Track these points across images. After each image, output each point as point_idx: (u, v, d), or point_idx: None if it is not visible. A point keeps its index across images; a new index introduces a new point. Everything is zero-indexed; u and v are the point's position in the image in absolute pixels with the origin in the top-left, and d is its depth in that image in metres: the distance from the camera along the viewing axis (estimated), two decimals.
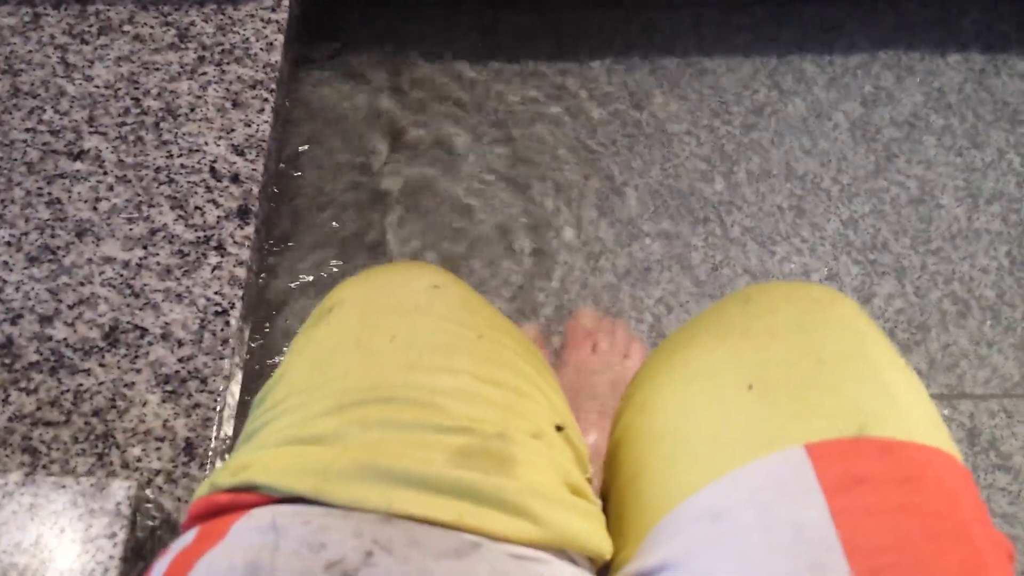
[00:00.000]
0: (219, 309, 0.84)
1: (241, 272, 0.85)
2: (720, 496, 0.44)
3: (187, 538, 0.46)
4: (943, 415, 1.02)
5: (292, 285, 1.02)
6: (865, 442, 0.43)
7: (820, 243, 1.11)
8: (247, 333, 0.87)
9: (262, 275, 1.00)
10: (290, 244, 1.04)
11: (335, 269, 1.03)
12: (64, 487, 0.64)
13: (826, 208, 1.14)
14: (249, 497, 0.45)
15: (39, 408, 0.79)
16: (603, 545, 0.48)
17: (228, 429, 0.81)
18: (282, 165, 1.07)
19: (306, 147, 1.10)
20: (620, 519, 0.51)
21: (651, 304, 1.07)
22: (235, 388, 0.82)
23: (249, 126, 0.93)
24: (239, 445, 0.51)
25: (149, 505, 0.74)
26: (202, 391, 0.80)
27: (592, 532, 0.47)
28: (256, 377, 0.92)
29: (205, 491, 0.48)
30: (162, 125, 0.92)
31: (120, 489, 0.64)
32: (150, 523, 0.66)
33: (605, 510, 0.53)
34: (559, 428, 0.51)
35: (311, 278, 1.03)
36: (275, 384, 0.52)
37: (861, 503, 0.41)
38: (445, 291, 0.56)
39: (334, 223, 1.06)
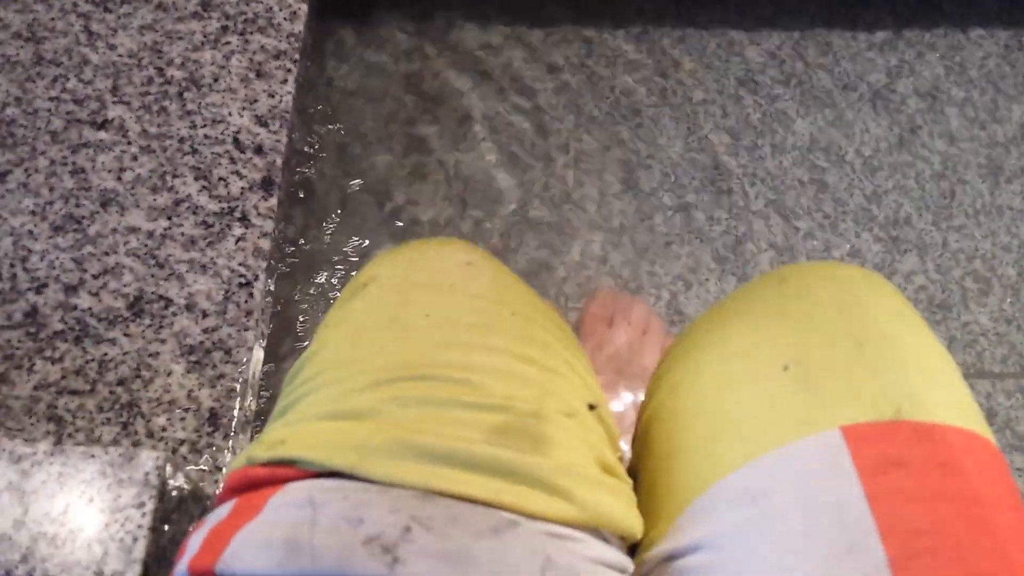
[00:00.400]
0: (243, 280, 0.84)
1: (265, 244, 0.85)
2: (757, 477, 0.44)
3: (222, 511, 0.46)
4: None
5: (318, 256, 1.02)
6: (902, 425, 0.43)
7: (842, 218, 1.11)
8: (269, 305, 0.87)
9: (286, 247, 1.00)
10: (315, 215, 1.04)
11: (366, 243, 1.03)
12: (93, 456, 0.64)
13: (849, 183, 1.13)
14: (286, 471, 0.46)
15: (64, 377, 0.79)
16: (635, 524, 0.48)
17: (251, 400, 0.81)
18: (307, 136, 1.07)
19: (330, 116, 1.10)
20: (651, 498, 0.51)
21: (669, 280, 1.06)
22: (258, 359, 0.83)
23: (272, 97, 0.93)
24: (273, 419, 0.52)
25: (177, 475, 0.74)
26: (226, 362, 0.81)
27: (624, 511, 0.48)
28: (279, 348, 0.93)
29: (241, 463, 0.48)
30: (186, 95, 0.92)
31: (149, 459, 0.64)
32: (176, 494, 0.66)
33: (635, 489, 0.53)
34: (592, 407, 0.51)
35: (339, 249, 1.03)
36: (310, 359, 0.52)
37: (897, 486, 0.41)
38: (478, 268, 0.56)
39: (359, 193, 1.06)
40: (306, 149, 1.05)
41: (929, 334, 0.50)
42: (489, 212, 1.08)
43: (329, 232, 1.04)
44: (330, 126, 1.09)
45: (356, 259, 1.01)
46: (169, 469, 0.74)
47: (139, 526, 0.62)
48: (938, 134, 1.17)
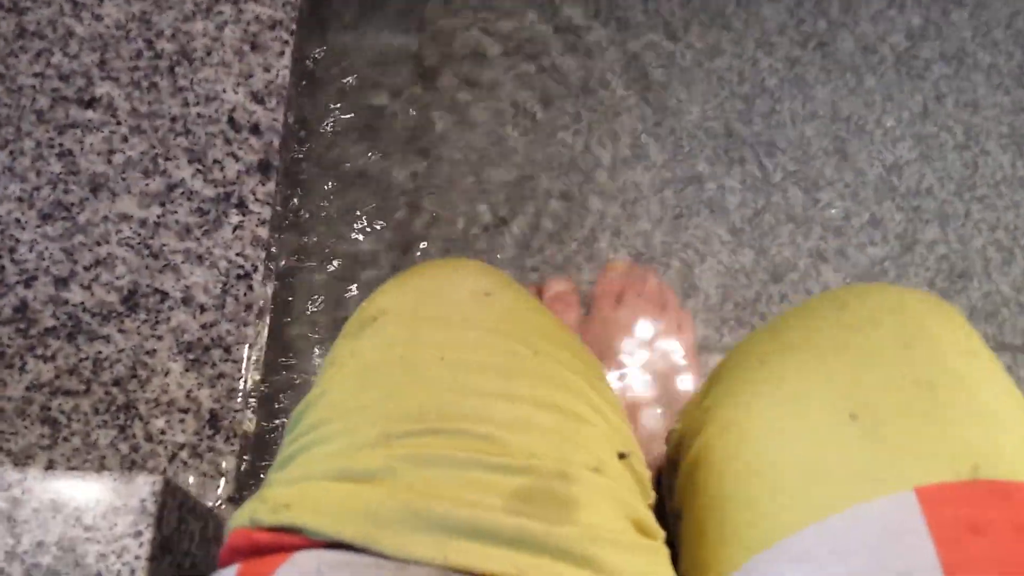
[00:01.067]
0: (241, 272, 0.80)
1: (263, 232, 0.82)
2: (824, 539, 0.41)
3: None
4: None
5: (319, 239, 0.98)
6: (979, 485, 0.40)
7: (863, 187, 1.07)
8: (270, 297, 0.83)
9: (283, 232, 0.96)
10: (312, 196, 1.00)
11: (378, 226, 0.99)
12: (86, 481, 0.61)
13: (870, 152, 1.09)
14: (292, 539, 0.43)
15: (57, 376, 0.76)
16: None
17: (254, 401, 0.78)
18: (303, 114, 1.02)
19: (330, 92, 1.05)
20: (700, 547, 0.48)
21: (682, 251, 1.03)
22: (260, 356, 0.79)
23: (268, 71, 0.88)
24: (276, 467, 0.49)
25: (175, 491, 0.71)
26: (226, 360, 0.77)
27: (657, 572, 0.45)
28: (280, 344, 0.89)
29: (244, 522, 0.45)
30: (177, 70, 0.87)
31: (145, 485, 0.61)
32: (177, 515, 0.64)
33: (678, 529, 0.51)
34: (621, 456, 0.48)
35: (342, 233, 0.99)
36: (314, 402, 0.49)
37: (974, 555, 0.38)
38: (495, 299, 0.52)
39: (360, 170, 1.02)
40: (303, 128, 1.00)
41: (1004, 375, 0.47)
42: (494, 182, 1.04)
43: (328, 214, 1.00)
44: (331, 104, 1.05)
45: (360, 239, 0.97)
46: (174, 479, 0.71)
47: (136, 556, 0.59)
48: (963, 103, 1.12)
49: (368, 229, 0.98)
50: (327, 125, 1.00)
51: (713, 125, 1.09)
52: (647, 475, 0.50)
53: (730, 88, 1.10)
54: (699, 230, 1.03)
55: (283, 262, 0.87)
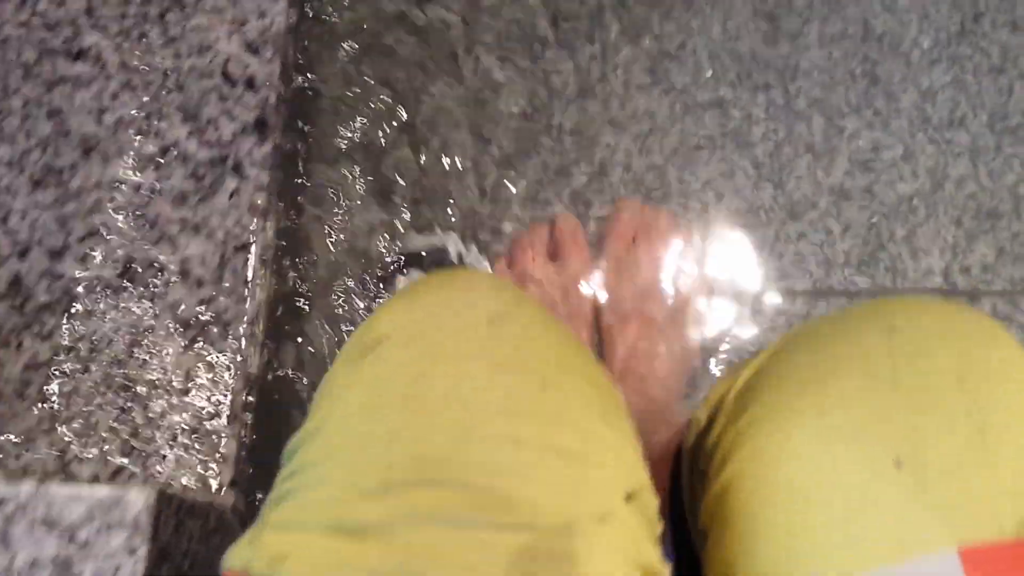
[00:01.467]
0: (239, 243, 0.77)
1: (261, 199, 0.78)
2: None
3: None
4: (1004, 314, 0.95)
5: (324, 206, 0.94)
6: None
7: (895, 117, 1.00)
8: (271, 269, 0.80)
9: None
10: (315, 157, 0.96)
11: (364, 179, 0.95)
12: (79, 497, 0.60)
13: (903, 76, 1.02)
14: None
15: (55, 355, 0.75)
16: None
17: (255, 383, 0.76)
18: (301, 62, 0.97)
19: (333, 37, 0.99)
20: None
21: (700, 189, 0.98)
22: (260, 333, 0.77)
23: (263, 16, 0.83)
24: (272, 503, 0.47)
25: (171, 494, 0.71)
26: (225, 337, 0.75)
27: None
28: (283, 319, 0.87)
29: (238, 565, 0.44)
30: (168, 17, 0.82)
31: (138, 499, 0.60)
32: (174, 521, 0.63)
33: (704, 552, 0.49)
34: (629, 497, 0.46)
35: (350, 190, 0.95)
36: (310, 438, 0.46)
37: None
38: (504, 324, 0.49)
39: (365, 115, 0.97)
40: (302, 81, 0.95)
41: None
42: (502, 113, 0.98)
43: (334, 169, 0.95)
44: (337, 49, 0.99)
45: (367, 195, 0.93)
46: (170, 484, 0.71)
47: (132, 574, 0.59)
48: (1002, 23, 1.03)
49: (370, 177, 0.94)
50: (331, 71, 0.95)
51: (737, 46, 1.02)
52: (655, 506, 0.48)
53: (753, 5, 1.03)
54: (722, 163, 0.98)
55: (283, 224, 0.84)
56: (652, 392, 0.85)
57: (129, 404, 0.74)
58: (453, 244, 0.93)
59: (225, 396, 0.74)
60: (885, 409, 0.44)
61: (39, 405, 0.73)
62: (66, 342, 0.74)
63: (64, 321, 0.75)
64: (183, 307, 0.76)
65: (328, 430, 0.46)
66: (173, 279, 0.76)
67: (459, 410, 0.44)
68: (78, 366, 0.74)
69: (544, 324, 0.51)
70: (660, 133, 0.99)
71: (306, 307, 0.87)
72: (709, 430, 0.57)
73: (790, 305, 0.94)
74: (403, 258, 0.91)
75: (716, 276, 0.95)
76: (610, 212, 0.96)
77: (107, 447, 0.73)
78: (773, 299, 0.94)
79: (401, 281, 0.90)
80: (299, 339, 0.85)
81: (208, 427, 0.73)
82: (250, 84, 0.80)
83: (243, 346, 0.75)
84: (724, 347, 0.93)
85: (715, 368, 0.92)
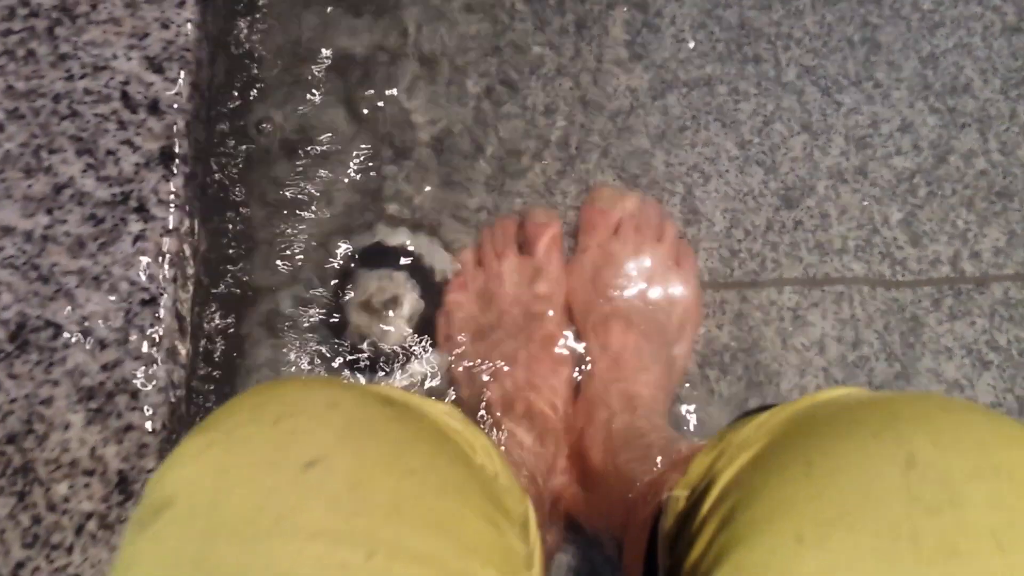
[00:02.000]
0: (146, 296, 0.68)
1: (170, 243, 0.68)
2: None
3: None
4: (1017, 300, 0.85)
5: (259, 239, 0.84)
6: None
7: (896, 86, 0.89)
8: (185, 326, 0.71)
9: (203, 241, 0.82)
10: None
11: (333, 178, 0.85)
12: None
13: (905, 42, 0.90)
14: None
15: None
16: None
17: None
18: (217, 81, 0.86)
19: (246, 47, 0.88)
20: None
21: (684, 172, 0.87)
22: (174, 401, 0.68)
23: (167, 27, 0.72)
24: None
25: None
26: (133, 408, 0.66)
27: None
28: (208, 381, 0.77)
29: None
30: (57, 31, 0.72)
31: None
32: None
33: None
34: None
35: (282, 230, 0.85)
36: None
37: None
38: (325, 469, 0.38)
39: (312, 87, 0.86)
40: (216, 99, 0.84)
41: None
42: (459, 86, 0.88)
43: (266, 208, 0.85)
44: (249, 57, 0.88)
45: (310, 200, 0.83)
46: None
47: None
48: None
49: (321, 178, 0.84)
50: (249, 79, 0.85)
51: (724, 14, 0.90)
52: None
53: None
54: (707, 147, 0.88)
55: (198, 273, 0.75)
56: (636, 407, 0.76)
57: (28, 489, 0.65)
58: (410, 240, 0.83)
59: (137, 476, 0.65)
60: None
61: None
62: None
63: None
64: (85, 375, 0.66)
65: None
66: (72, 340, 0.67)
67: None
68: None
69: (389, 451, 0.41)
70: (641, 112, 0.88)
71: (240, 362, 0.78)
72: (689, 521, 0.48)
73: (778, 296, 0.84)
74: (355, 262, 0.82)
75: (704, 268, 0.85)
76: (586, 200, 0.86)
77: (6, 538, 0.65)
78: (764, 290, 0.85)
79: (352, 298, 0.81)
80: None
81: (117, 514, 0.65)
82: (154, 108, 0.70)
83: (156, 416, 0.66)
84: (714, 347, 0.84)
85: (705, 372, 0.83)
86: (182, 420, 0.69)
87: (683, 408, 0.82)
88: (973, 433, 0.38)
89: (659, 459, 0.71)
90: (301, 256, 0.82)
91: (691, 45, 0.90)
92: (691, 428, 0.81)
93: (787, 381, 0.82)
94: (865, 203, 0.87)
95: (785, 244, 0.85)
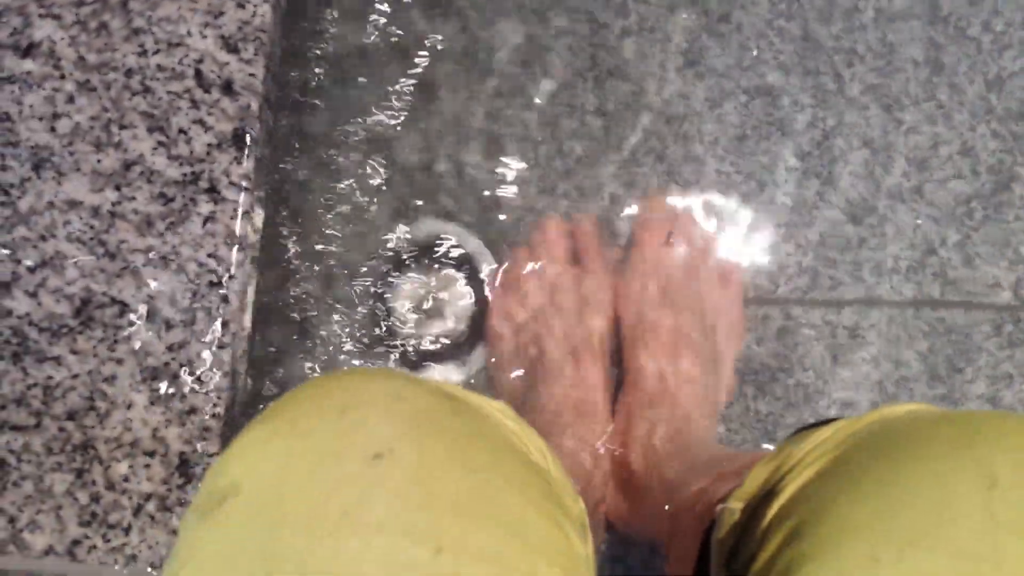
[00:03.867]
0: (214, 278, 0.67)
1: (239, 226, 0.68)
2: None
3: None
4: None
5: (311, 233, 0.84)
6: None
7: (958, 109, 0.89)
8: (250, 309, 0.70)
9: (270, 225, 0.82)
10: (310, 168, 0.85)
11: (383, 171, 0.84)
12: None
13: (971, 64, 0.90)
14: None
15: (3, 407, 0.65)
16: None
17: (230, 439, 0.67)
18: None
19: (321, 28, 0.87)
20: None
21: (741, 180, 0.87)
22: (238, 383, 0.68)
23: (243, 7, 0.71)
24: None
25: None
26: (197, 391, 0.66)
27: None
28: (264, 367, 0.77)
29: None
30: (131, 4, 0.71)
31: None
32: None
33: None
34: None
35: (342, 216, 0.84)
36: None
37: None
38: (392, 462, 0.38)
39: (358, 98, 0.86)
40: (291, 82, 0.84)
41: None
42: (521, 93, 0.87)
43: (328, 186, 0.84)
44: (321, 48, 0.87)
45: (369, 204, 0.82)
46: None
47: None
48: None
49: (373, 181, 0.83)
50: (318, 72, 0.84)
51: (787, 25, 0.90)
52: None
53: None
54: (765, 156, 0.88)
55: (265, 254, 0.74)
56: (681, 424, 0.76)
57: (87, 466, 0.64)
58: (463, 240, 0.83)
59: (199, 459, 0.65)
60: None
61: None
62: (16, 391, 0.65)
63: (13, 367, 0.65)
64: (149, 355, 0.66)
65: None
66: (138, 320, 0.66)
67: None
68: (31, 420, 0.65)
69: (454, 446, 0.41)
70: (696, 119, 0.88)
71: (297, 352, 0.78)
72: (748, 534, 0.48)
73: (836, 316, 0.85)
74: (409, 255, 0.81)
75: (756, 283, 0.85)
76: (638, 211, 0.86)
77: (63, 514, 0.64)
78: (818, 308, 0.85)
79: (405, 290, 0.81)
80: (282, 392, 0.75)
81: (177, 497, 0.65)
82: (227, 88, 0.69)
83: (220, 400, 0.66)
84: (752, 364, 0.84)
85: (746, 389, 0.83)
86: (243, 405, 0.68)
87: (721, 426, 0.82)
88: None
89: (705, 469, 0.71)
90: (351, 250, 0.81)
91: (753, 54, 0.90)
92: (724, 443, 0.82)
93: (826, 399, 0.83)
94: (919, 222, 0.87)
95: (841, 260, 0.86)
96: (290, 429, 0.39)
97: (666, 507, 0.71)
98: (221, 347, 0.66)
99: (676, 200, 0.86)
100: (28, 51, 0.70)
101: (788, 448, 0.49)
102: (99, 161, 0.68)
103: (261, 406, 0.73)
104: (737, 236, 0.86)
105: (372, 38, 0.86)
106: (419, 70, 0.86)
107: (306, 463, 0.37)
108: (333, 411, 0.39)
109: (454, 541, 0.36)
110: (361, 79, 0.85)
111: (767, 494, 0.47)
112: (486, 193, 0.85)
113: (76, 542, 0.64)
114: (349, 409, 0.39)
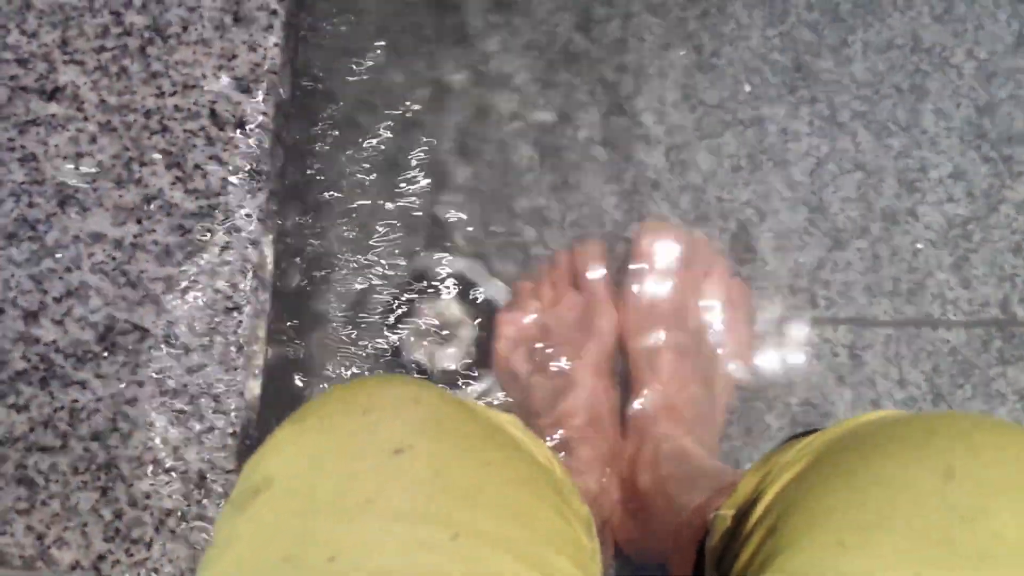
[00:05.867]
0: (230, 304, 0.71)
1: (254, 254, 0.72)
2: None
3: None
4: None
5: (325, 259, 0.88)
6: None
7: (945, 134, 0.93)
8: (265, 335, 0.74)
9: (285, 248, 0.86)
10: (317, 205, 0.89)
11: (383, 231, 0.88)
12: None
13: (955, 90, 0.94)
14: None
15: (32, 429, 0.69)
16: None
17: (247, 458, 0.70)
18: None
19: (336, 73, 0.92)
20: None
21: (737, 209, 0.91)
22: (254, 407, 0.71)
23: (254, 50, 0.75)
24: None
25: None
26: (216, 412, 0.69)
27: None
28: (279, 387, 0.80)
29: None
30: (149, 50, 0.75)
31: None
32: None
33: None
34: None
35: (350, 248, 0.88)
36: None
37: None
38: (411, 456, 0.42)
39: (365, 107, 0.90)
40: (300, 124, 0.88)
41: None
42: (523, 121, 0.91)
43: (336, 221, 0.88)
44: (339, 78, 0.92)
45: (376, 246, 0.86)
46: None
47: None
48: None
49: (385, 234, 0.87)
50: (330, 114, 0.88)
51: (778, 58, 0.94)
52: None
53: (796, 14, 0.95)
54: (760, 185, 0.91)
55: (279, 283, 0.78)
56: (685, 440, 0.79)
57: (111, 484, 0.68)
58: (468, 270, 0.86)
59: (217, 476, 0.68)
60: None
61: (15, 484, 0.68)
62: (44, 414, 0.69)
63: (40, 391, 0.69)
64: (169, 378, 0.70)
65: None
66: (158, 345, 0.70)
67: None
68: (57, 441, 0.68)
69: (467, 443, 0.44)
70: (693, 148, 0.92)
71: (307, 375, 0.82)
72: (735, 537, 0.51)
73: (833, 334, 0.88)
74: (412, 288, 0.85)
75: (756, 304, 0.88)
76: (639, 233, 0.89)
77: (89, 531, 0.67)
78: (817, 328, 0.88)
79: (409, 323, 0.84)
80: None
81: (197, 512, 0.68)
82: (240, 126, 0.74)
83: (237, 419, 0.69)
84: (764, 384, 0.87)
85: (750, 408, 0.86)
86: (259, 424, 0.72)
87: (726, 444, 0.85)
88: (1011, 449, 0.41)
89: (707, 487, 0.74)
90: (358, 280, 0.85)
91: (747, 88, 0.93)
92: (732, 463, 0.84)
93: (832, 421, 0.85)
94: (919, 246, 0.90)
95: (836, 282, 0.89)
96: (318, 428, 0.43)
97: (671, 524, 0.74)
98: (236, 369, 0.70)
99: (678, 225, 0.90)
100: (53, 95, 0.74)
101: (774, 457, 0.52)
102: (120, 196, 0.72)
103: (276, 420, 0.77)
104: (739, 260, 0.90)
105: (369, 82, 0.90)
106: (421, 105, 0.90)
107: (333, 457, 0.41)
108: (357, 412, 0.43)
109: (468, 527, 0.39)
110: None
111: (754, 500, 0.50)
112: (492, 224, 0.88)
113: (101, 557, 0.67)
114: (371, 410, 0.43)
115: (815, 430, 0.52)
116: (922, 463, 0.42)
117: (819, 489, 0.45)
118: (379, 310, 0.85)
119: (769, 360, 0.87)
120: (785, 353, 0.88)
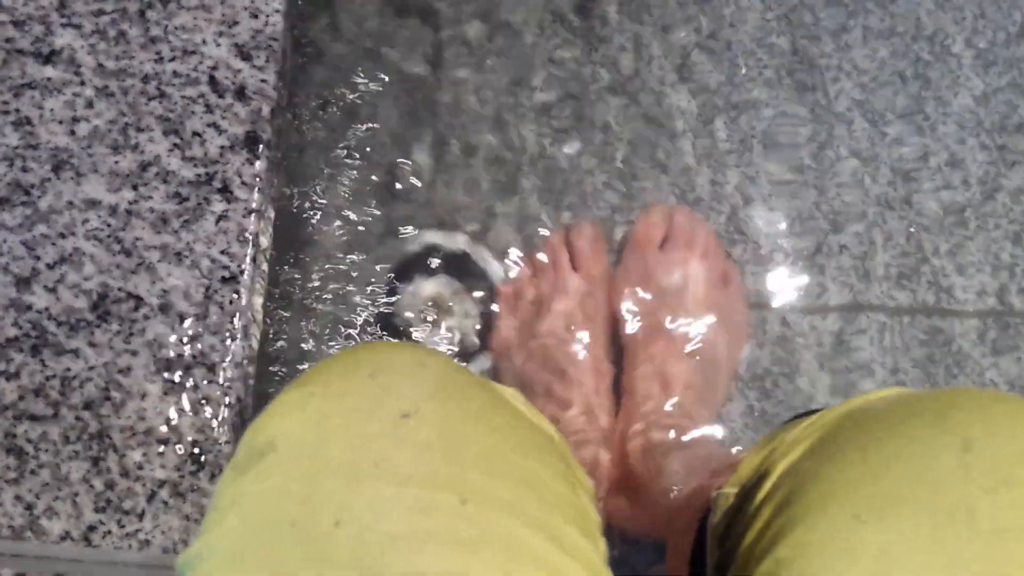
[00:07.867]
0: (226, 274, 0.70)
1: (251, 224, 0.70)
2: None
3: None
4: None
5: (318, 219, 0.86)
6: None
7: (943, 121, 0.92)
8: (261, 304, 0.73)
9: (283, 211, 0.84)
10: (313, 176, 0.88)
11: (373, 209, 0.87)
12: None
13: (955, 79, 0.93)
14: None
15: (22, 398, 0.67)
16: None
17: (241, 430, 0.69)
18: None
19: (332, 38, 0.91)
20: None
21: (732, 192, 0.90)
22: (248, 375, 0.70)
23: (256, 17, 0.74)
24: None
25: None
26: (210, 381, 0.68)
27: None
28: (275, 359, 0.79)
29: None
30: (148, 14, 0.74)
31: None
32: None
33: None
34: None
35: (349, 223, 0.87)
36: (194, 561, 0.39)
37: None
38: (418, 421, 0.41)
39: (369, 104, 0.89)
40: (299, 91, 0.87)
41: None
42: (519, 104, 0.90)
43: (326, 198, 0.87)
44: (338, 48, 0.90)
45: (370, 219, 0.85)
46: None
47: None
48: None
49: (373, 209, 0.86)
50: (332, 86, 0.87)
51: (776, 42, 0.94)
52: None
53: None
54: (751, 168, 0.90)
55: (275, 255, 0.77)
56: (680, 418, 0.78)
57: (103, 454, 0.67)
58: (467, 248, 0.86)
59: (211, 447, 0.67)
60: (960, 553, 0.37)
61: (4, 453, 0.66)
62: (35, 382, 0.67)
63: (32, 359, 0.68)
64: (163, 347, 0.68)
65: (208, 557, 0.39)
66: (152, 313, 0.69)
67: (355, 544, 0.37)
68: (48, 410, 0.67)
69: (475, 409, 0.43)
70: (691, 133, 0.91)
71: (305, 345, 0.80)
72: (741, 514, 0.50)
73: (822, 321, 0.87)
74: (410, 266, 0.84)
75: (751, 287, 0.88)
76: (638, 215, 0.88)
77: (79, 501, 0.66)
78: (808, 314, 0.87)
79: (408, 295, 0.83)
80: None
81: (190, 483, 0.67)
82: (240, 94, 0.72)
83: (231, 390, 0.68)
84: (758, 367, 0.86)
85: (745, 392, 0.85)
86: (254, 395, 0.71)
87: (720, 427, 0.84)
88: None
89: (702, 467, 0.74)
90: (357, 256, 0.84)
91: (743, 70, 0.93)
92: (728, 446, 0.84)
93: (815, 405, 0.85)
94: (912, 230, 0.89)
95: (831, 268, 0.88)
96: (324, 391, 0.42)
97: (665, 506, 0.73)
98: (232, 339, 0.69)
99: (673, 207, 0.89)
100: (49, 58, 0.73)
101: (779, 435, 0.51)
102: (116, 162, 0.71)
103: (272, 390, 0.76)
104: (731, 242, 0.89)
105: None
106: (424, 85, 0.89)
107: (340, 421, 0.40)
108: (364, 376, 0.42)
109: (477, 493, 0.38)
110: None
111: (760, 477, 0.49)
112: (489, 203, 0.87)
113: (92, 528, 0.66)
114: (378, 374, 0.42)
115: (817, 410, 0.52)
116: (940, 437, 0.41)
117: (833, 464, 0.44)
118: (378, 285, 0.84)
119: (760, 345, 0.87)
120: (776, 338, 0.87)
